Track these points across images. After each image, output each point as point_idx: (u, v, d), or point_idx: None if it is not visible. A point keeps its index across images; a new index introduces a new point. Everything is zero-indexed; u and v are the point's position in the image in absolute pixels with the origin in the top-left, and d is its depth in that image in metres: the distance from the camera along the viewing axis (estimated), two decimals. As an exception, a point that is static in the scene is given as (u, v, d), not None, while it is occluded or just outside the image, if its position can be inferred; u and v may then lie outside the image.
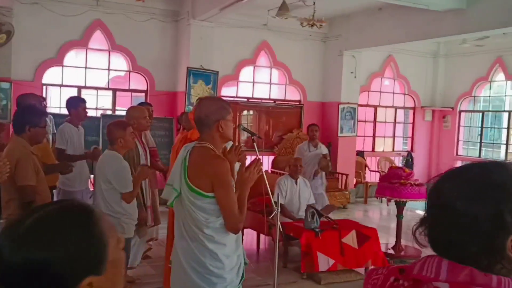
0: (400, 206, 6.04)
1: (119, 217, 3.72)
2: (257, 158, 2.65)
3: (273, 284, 4.16)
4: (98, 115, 8.02)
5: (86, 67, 8.34)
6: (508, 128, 10.66)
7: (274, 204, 3.95)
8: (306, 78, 10.01)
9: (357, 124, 10.08)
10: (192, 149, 2.51)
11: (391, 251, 6.09)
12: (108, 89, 8.79)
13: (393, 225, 7.88)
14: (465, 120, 11.46)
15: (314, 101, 10.15)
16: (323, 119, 10.18)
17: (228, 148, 2.63)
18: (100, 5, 8.00)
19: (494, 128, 11.47)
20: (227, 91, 9.44)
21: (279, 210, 4.01)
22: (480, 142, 11.08)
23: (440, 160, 11.57)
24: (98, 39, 8.27)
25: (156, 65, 8.59)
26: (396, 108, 11.43)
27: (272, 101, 9.97)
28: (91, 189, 5.44)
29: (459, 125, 11.35)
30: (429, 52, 11.26)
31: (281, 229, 4.19)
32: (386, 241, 6.57)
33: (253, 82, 9.83)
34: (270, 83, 10.04)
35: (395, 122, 11.48)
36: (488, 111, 11.20)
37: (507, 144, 10.70)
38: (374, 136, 11.20)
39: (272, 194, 4.02)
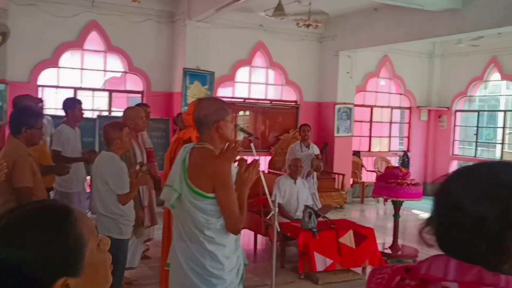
0: (397, 206, 6.05)
1: (117, 218, 3.71)
2: (255, 158, 2.65)
3: (270, 285, 4.17)
4: (94, 116, 8.00)
5: (82, 68, 8.32)
6: (503, 128, 10.71)
7: (271, 204, 3.96)
8: (302, 79, 10.03)
9: (353, 124, 10.10)
10: (191, 149, 2.50)
11: (388, 251, 6.11)
12: (104, 90, 8.77)
13: (390, 224, 7.91)
14: (460, 119, 11.50)
15: (311, 101, 10.16)
16: (320, 119, 10.20)
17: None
18: (96, 6, 7.98)
19: (490, 127, 11.51)
20: (224, 92, 9.45)
21: (277, 211, 4.02)
22: (476, 142, 11.12)
23: (436, 159, 11.61)
24: (94, 40, 8.25)
25: (152, 66, 8.58)
26: (392, 108, 11.46)
27: (269, 102, 9.97)
28: (88, 190, 5.44)
29: (454, 125, 11.39)
30: (425, 52, 11.30)
31: (279, 230, 4.19)
32: (383, 240, 6.58)
33: (250, 83, 9.83)
34: (267, 84, 10.05)
35: (391, 122, 11.52)
36: (484, 110, 11.25)
37: (502, 143, 10.74)
38: (370, 136, 11.23)
39: (270, 194, 4.02)
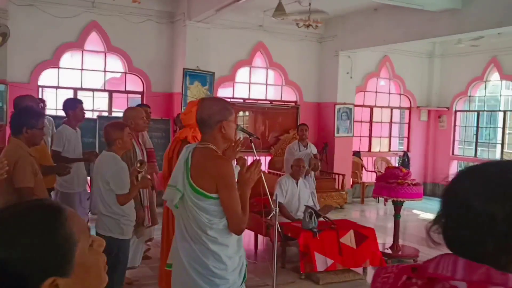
0: (397, 206, 6.05)
1: (118, 219, 3.71)
2: (257, 158, 2.65)
3: (271, 285, 4.17)
4: (95, 117, 8.00)
5: (82, 69, 8.32)
6: (503, 128, 10.71)
7: (272, 205, 3.96)
8: (302, 79, 10.03)
9: (353, 125, 10.10)
10: (194, 149, 2.50)
11: (389, 251, 6.11)
12: (104, 90, 8.77)
13: (390, 225, 7.91)
14: (460, 120, 11.51)
15: (310, 101, 10.16)
16: (319, 119, 10.20)
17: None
18: (96, 6, 7.99)
19: (490, 127, 11.51)
20: (224, 92, 9.45)
21: (278, 211, 4.02)
22: (476, 142, 11.13)
23: (436, 160, 11.62)
24: (94, 41, 8.25)
25: (152, 67, 8.59)
26: (392, 108, 11.47)
27: (269, 102, 9.98)
28: (89, 190, 5.44)
29: (454, 125, 11.39)
30: (425, 52, 11.30)
31: (279, 230, 4.19)
32: (383, 241, 6.58)
33: (249, 83, 9.83)
34: (266, 84, 10.05)
35: (391, 122, 11.52)
36: (483, 110, 11.26)
37: (502, 143, 10.74)
38: (370, 136, 11.23)
39: (271, 195, 4.02)
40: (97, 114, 8.31)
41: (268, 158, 9.68)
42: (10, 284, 0.84)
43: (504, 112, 10.79)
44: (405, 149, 11.56)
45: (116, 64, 8.63)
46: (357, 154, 10.60)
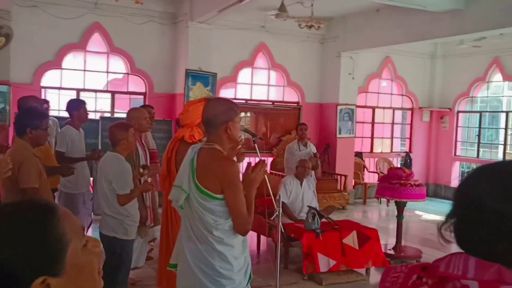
0: (400, 207, 6.05)
1: (122, 219, 3.72)
2: (262, 159, 2.65)
3: (275, 285, 4.16)
4: (97, 117, 8.01)
5: (84, 70, 8.34)
6: (505, 129, 10.70)
7: (275, 205, 3.96)
8: (304, 80, 10.03)
9: (355, 125, 10.10)
10: (199, 150, 2.51)
11: (391, 252, 6.10)
12: (106, 91, 8.78)
13: (392, 225, 7.91)
14: (463, 120, 11.49)
15: (312, 102, 10.17)
16: (321, 120, 10.20)
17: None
18: (99, 8, 8.00)
19: (492, 128, 11.50)
20: (226, 93, 9.45)
21: (281, 211, 4.02)
22: (478, 143, 11.11)
23: (438, 160, 11.61)
24: (96, 42, 8.26)
25: (154, 68, 8.59)
26: (394, 109, 11.46)
27: (271, 103, 9.98)
28: (91, 191, 5.45)
29: (457, 126, 11.38)
30: (427, 53, 11.30)
31: (282, 230, 4.19)
32: (385, 241, 6.58)
33: (251, 84, 9.84)
34: (268, 85, 10.05)
35: (393, 123, 11.51)
36: (486, 111, 11.24)
37: (504, 144, 10.73)
38: (372, 137, 11.22)
39: (274, 195, 4.02)
40: (99, 115, 8.31)
41: (270, 159, 9.67)
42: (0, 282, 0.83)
43: (507, 112, 10.78)
44: (407, 150, 11.55)
45: (118, 65, 8.64)
46: (359, 155, 10.59)
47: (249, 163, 2.60)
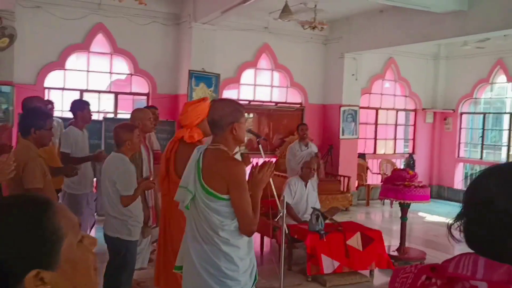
0: (404, 208, 6.03)
1: (126, 220, 3.71)
2: (270, 159, 2.65)
3: (278, 287, 4.15)
4: (100, 118, 8.01)
5: (88, 71, 8.34)
6: (509, 130, 10.66)
7: (279, 207, 3.95)
8: (307, 81, 10.02)
9: (358, 127, 10.08)
10: (205, 151, 2.51)
11: (395, 253, 6.08)
12: (110, 92, 8.79)
13: (395, 227, 7.88)
14: (466, 122, 11.46)
15: (316, 103, 10.15)
16: (325, 121, 10.19)
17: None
18: (102, 8, 8.00)
19: (495, 130, 11.47)
20: (229, 94, 9.44)
21: (285, 212, 4.01)
22: (482, 144, 11.08)
23: (441, 162, 11.58)
24: (100, 43, 8.27)
25: (157, 68, 8.60)
26: (397, 110, 11.44)
27: (274, 104, 9.97)
28: (95, 191, 5.44)
29: (460, 127, 11.35)
30: (430, 54, 11.28)
31: (287, 231, 4.17)
32: (389, 243, 6.55)
33: (255, 85, 9.84)
34: (272, 86, 10.05)
35: (396, 124, 11.49)
36: (489, 113, 11.21)
37: (508, 146, 10.70)
38: (375, 139, 11.20)
39: (278, 196, 4.01)
40: (102, 115, 8.31)
41: (273, 160, 9.65)
42: None
43: (510, 114, 10.74)
44: (411, 151, 11.53)
45: (121, 65, 8.64)
46: (362, 156, 10.57)
47: (254, 164, 2.59)
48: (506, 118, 10.96)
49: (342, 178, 9.38)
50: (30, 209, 0.89)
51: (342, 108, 9.80)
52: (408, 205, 5.98)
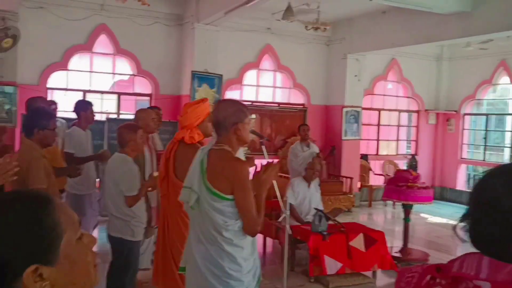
0: (407, 209, 6.02)
1: (129, 220, 3.71)
2: (274, 160, 2.65)
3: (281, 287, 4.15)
4: (103, 118, 8.01)
5: (91, 71, 8.35)
6: (512, 131, 10.65)
7: (283, 207, 3.94)
8: (310, 82, 10.02)
9: (361, 128, 10.07)
10: (209, 151, 2.51)
11: (398, 254, 6.07)
12: (112, 93, 8.80)
13: (398, 228, 7.88)
14: (469, 123, 11.44)
15: (318, 104, 10.15)
16: (327, 122, 10.18)
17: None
18: (105, 9, 8.02)
19: (498, 131, 11.45)
20: (231, 95, 9.44)
21: (288, 213, 4.00)
22: (485, 145, 11.06)
23: (444, 163, 11.56)
24: (102, 43, 8.28)
25: (160, 69, 8.60)
26: (399, 112, 11.42)
27: (276, 105, 9.97)
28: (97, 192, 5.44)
29: (463, 128, 11.33)
30: (433, 55, 11.26)
31: (290, 232, 4.17)
32: (391, 244, 6.54)
33: (257, 86, 9.84)
34: (274, 87, 10.05)
35: (399, 126, 11.48)
36: (492, 114, 11.19)
37: (511, 147, 10.67)
38: (378, 140, 11.19)
39: (282, 197, 4.01)
40: (105, 116, 8.32)
41: (276, 161, 9.63)
42: None
43: (513, 115, 10.73)
44: (413, 153, 11.51)
45: (124, 66, 8.65)
46: (364, 157, 10.56)
47: (259, 166, 2.59)
48: (509, 119, 10.95)
49: (344, 179, 9.36)
50: (29, 205, 0.89)
51: (345, 109, 9.79)
52: (411, 206, 5.97)
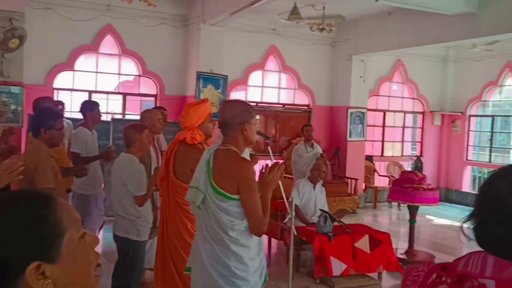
0: (412, 211, 6.00)
1: (135, 220, 3.72)
2: (279, 161, 2.66)
3: (287, 288, 4.14)
4: (109, 119, 8.04)
5: (96, 72, 8.38)
6: (518, 133, 10.60)
7: (288, 208, 3.94)
8: (314, 83, 10.01)
9: (366, 129, 10.05)
10: (215, 151, 2.52)
11: (403, 256, 6.05)
12: (118, 93, 8.82)
13: (403, 230, 7.86)
14: (474, 124, 11.40)
15: (323, 105, 10.14)
16: (332, 123, 10.17)
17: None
18: (111, 10, 8.04)
19: (504, 133, 11.40)
20: (236, 96, 9.45)
21: (294, 214, 4.00)
22: (490, 147, 11.01)
23: (449, 165, 11.52)
24: (108, 44, 8.31)
25: (166, 70, 8.62)
26: (405, 113, 11.39)
27: (281, 106, 9.97)
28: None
29: (468, 130, 11.29)
30: (438, 57, 11.23)
31: (295, 233, 4.16)
32: (396, 246, 6.52)
33: (262, 87, 9.84)
34: (279, 88, 10.04)
35: (404, 127, 11.45)
36: (498, 115, 11.14)
37: (517, 148, 10.63)
38: (383, 141, 11.17)
39: (287, 198, 4.01)
40: (111, 116, 8.34)
41: (280, 162, 9.62)
42: None
43: (519, 117, 10.68)
44: (418, 154, 11.48)
45: (130, 67, 8.68)
46: (369, 158, 10.54)
47: (265, 165, 2.59)
48: (515, 121, 10.89)
49: (349, 180, 9.35)
50: (32, 202, 0.89)
51: (350, 110, 9.77)
52: (417, 208, 5.95)
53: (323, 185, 6.33)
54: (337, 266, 5.06)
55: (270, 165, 2.58)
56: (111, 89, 8.81)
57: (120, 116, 8.53)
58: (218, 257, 2.43)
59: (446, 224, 8.81)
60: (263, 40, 9.35)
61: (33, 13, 7.46)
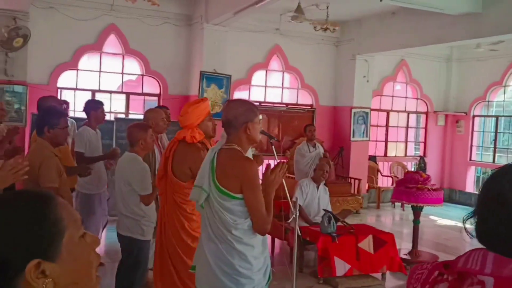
0: (416, 211, 5.98)
1: (139, 219, 3.72)
2: (282, 161, 2.65)
3: (290, 289, 4.13)
4: (112, 118, 8.04)
5: (100, 71, 8.39)
6: (522, 133, 10.55)
7: (292, 208, 3.93)
8: (318, 82, 10.00)
9: (369, 129, 10.03)
10: (219, 150, 2.52)
11: (407, 257, 6.03)
12: (121, 92, 8.83)
13: (406, 230, 7.84)
14: (478, 125, 11.36)
15: (326, 105, 10.13)
16: (335, 123, 10.15)
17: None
18: (114, 9, 8.04)
19: (508, 133, 11.35)
20: (240, 95, 9.44)
21: (298, 214, 3.98)
22: (494, 147, 10.98)
23: (453, 165, 11.48)
24: (112, 43, 8.32)
25: (169, 69, 8.62)
26: (408, 113, 11.37)
27: (284, 105, 9.95)
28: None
29: (472, 130, 11.25)
30: (442, 57, 11.20)
31: (300, 233, 4.15)
32: (399, 246, 6.48)
33: (265, 86, 9.83)
34: (282, 87, 10.03)
35: (407, 127, 11.42)
36: (502, 116, 11.10)
37: (521, 149, 10.59)
38: (386, 141, 11.14)
39: (290, 198, 4.00)
40: (114, 116, 8.35)
41: (284, 161, 9.61)
42: None
43: (523, 117, 10.64)
44: (422, 154, 11.45)
45: (133, 66, 8.68)
46: (373, 158, 10.52)
47: (268, 165, 2.59)
48: (519, 121, 10.85)
49: (352, 181, 9.32)
50: (32, 201, 0.90)
51: (353, 110, 9.76)
52: (421, 208, 5.92)
53: (325, 185, 6.34)
54: (341, 266, 5.04)
55: (273, 165, 2.58)
56: (115, 89, 8.82)
57: (123, 116, 8.53)
58: (222, 256, 2.44)
59: (449, 225, 8.78)
60: (266, 39, 9.34)
61: (37, 13, 7.47)
